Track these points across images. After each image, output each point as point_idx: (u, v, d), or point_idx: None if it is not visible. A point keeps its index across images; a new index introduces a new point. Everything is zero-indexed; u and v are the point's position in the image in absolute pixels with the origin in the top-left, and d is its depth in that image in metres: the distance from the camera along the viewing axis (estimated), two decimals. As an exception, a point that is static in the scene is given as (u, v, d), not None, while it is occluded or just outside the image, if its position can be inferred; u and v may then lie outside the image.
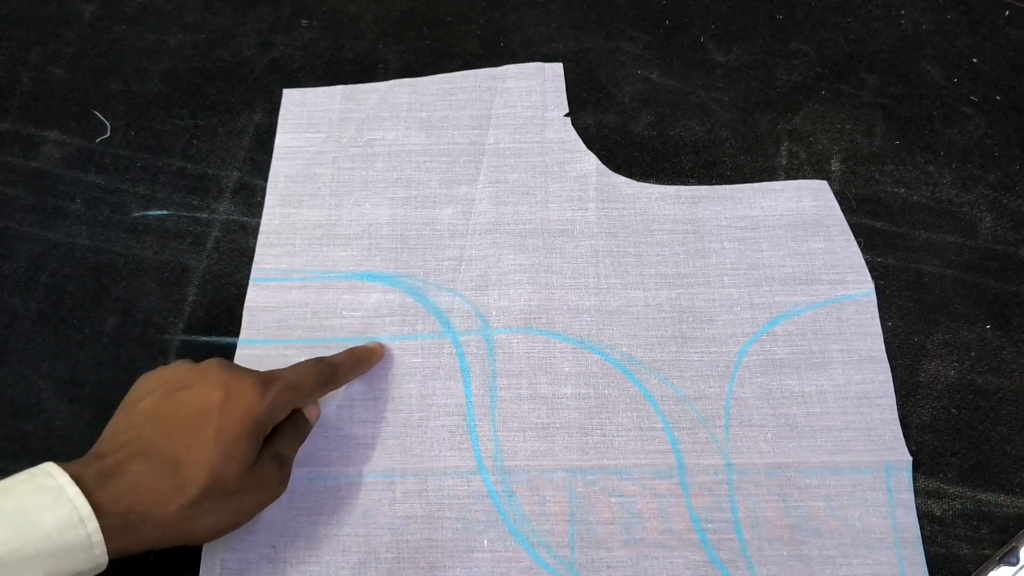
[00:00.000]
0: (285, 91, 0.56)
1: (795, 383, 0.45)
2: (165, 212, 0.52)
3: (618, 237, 0.50)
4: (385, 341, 0.47)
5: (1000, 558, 0.41)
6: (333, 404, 0.45)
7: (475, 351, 0.46)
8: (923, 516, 0.42)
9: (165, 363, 0.47)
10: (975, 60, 0.56)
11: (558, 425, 0.44)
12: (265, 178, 0.53)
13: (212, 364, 0.39)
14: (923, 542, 0.42)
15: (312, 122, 0.55)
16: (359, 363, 0.44)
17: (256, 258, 0.50)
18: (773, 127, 0.53)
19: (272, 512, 0.42)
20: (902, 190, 0.51)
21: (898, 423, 0.44)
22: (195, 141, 0.55)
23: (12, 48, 0.59)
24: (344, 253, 0.50)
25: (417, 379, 0.46)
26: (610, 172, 0.52)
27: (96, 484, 0.34)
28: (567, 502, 0.43)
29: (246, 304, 0.48)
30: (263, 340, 0.47)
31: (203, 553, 0.42)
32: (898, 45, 0.57)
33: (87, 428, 0.46)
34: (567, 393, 0.45)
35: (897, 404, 0.45)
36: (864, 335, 0.47)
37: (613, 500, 0.43)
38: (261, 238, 0.51)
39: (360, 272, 0.49)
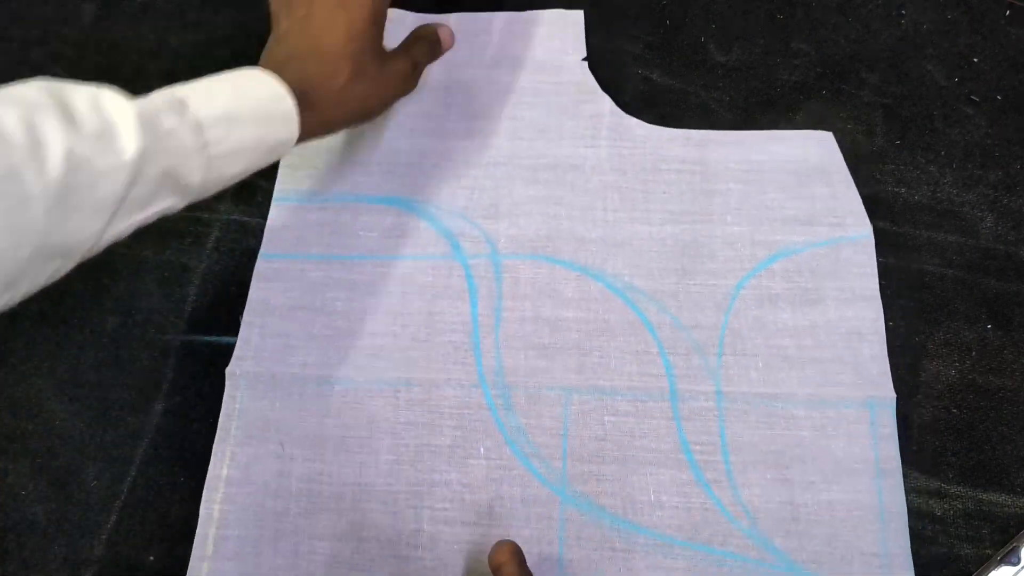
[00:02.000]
0: None
1: (789, 316, 0.47)
2: (165, 212, 0.52)
3: (627, 174, 0.51)
4: (398, 261, 0.50)
5: (1001, 558, 0.41)
6: (344, 316, 0.48)
7: (483, 274, 0.49)
8: (924, 516, 0.42)
9: (165, 364, 0.47)
10: (976, 60, 0.56)
11: (558, 346, 0.46)
12: (265, 177, 0.53)
13: None
14: (923, 542, 0.42)
15: None
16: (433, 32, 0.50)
17: (278, 179, 0.52)
18: (773, 127, 0.53)
19: (281, 412, 0.45)
20: (903, 190, 0.51)
21: (886, 360, 0.45)
22: (195, 141, 0.55)
23: (12, 48, 0.59)
24: (363, 178, 0.52)
25: (426, 297, 0.48)
26: (623, 114, 0.54)
27: (282, 76, 0.41)
28: (562, 418, 0.45)
29: (268, 223, 0.51)
30: (282, 255, 0.50)
31: (214, 446, 0.45)
32: (899, 45, 0.57)
33: (87, 428, 0.46)
34: (569, 316, 0.47)
35: (898, 404, 0.45)
36: (859, 275, 0.48)
37: (606, 419, 0.44)
38: (284, 160, 0.53)
39: (377, 196, 0.52)
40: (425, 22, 0.57)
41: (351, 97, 0.44)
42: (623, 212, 0.50)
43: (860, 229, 0.49)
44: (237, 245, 0.51)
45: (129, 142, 0.34)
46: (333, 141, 0.54)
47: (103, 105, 0.35)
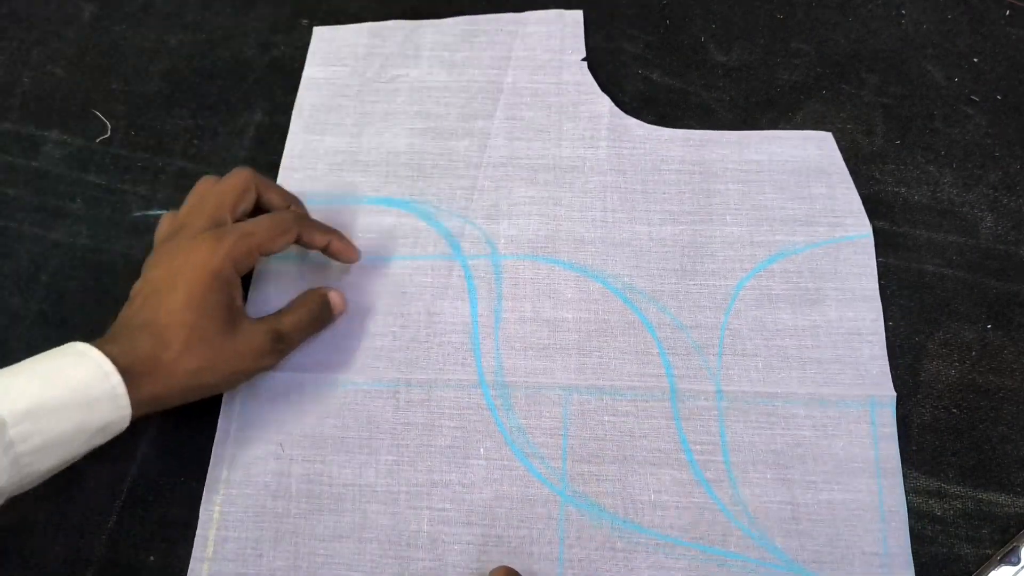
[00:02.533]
0: (316, 28, 0.59)
1: (789, 317, 0.47)
2: (166, 212, 0.52)
3: (626, 174, 0.51)
4: (397, 261, 0.49)
5: (1001, 558, 0.41)
6: (345, 317, 0.48)
7: (483, 275, 0.49)
8: (924, 516, 0.42)
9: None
10: (976, 60, 0.56)
11: (558, 346, 0.46)
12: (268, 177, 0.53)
13: (176, 240, 0.43)
14: (923, 542, 0.42)
15: (339, 56, 0.57)
16: (328, 233, 0.46)
17: (279, 180, 0.52)
18: (773, 127, 0.53)
19: (281, 413, 0.45)
20: (903, 190, 0.51)
21: (886, 359, 0.45)
22: (195, 141, 0.55)
23: (12, 48, 0.59)
24: (363, 179, 0.52)
25: (426, 298, 0.48)
26: (623, 114, 0.54)
27: (108, 351, 0.37)
28: (562, 418, 0.45)
29: None
30: (282, 256, 0.49)
31: (214, 448, 0.45)
32: (899, 45, 0.57)
33: (87, 428, 0.46)
34: (568, 317, 0.47)
35: (898, 404, 0.45)
36: (859, 275, 0.48)
37: (606, 419, 0.45)
38: (284, 162, 0.53)
39: (377, 197, 0.52)
40: (423, 26, 0.58)
41: (183, 370, 0.39)
42: (622, 212, 0.50)
43: (860, 229, 0.49)
44: (237, 245, 0.51)
45: None
46: (331, 143, 0.53)
47: None
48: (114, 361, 0.37)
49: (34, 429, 0.34)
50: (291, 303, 0.45)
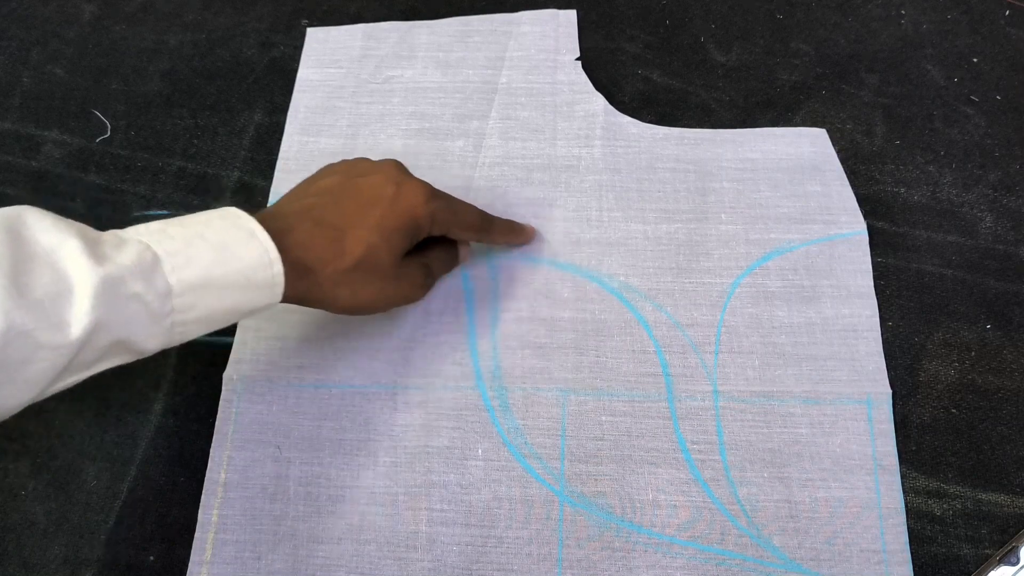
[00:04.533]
0: (309, 30, 0.58)
1: (784, 314, 0.47)
2: (165, 212, 0.52)
3: (622, 173, 0.51)
4: None
5: (1000, 558, 0.41)
6: (340, 319, 0.47)
7: (479, 275, 0.49)
8: (923, 516, 0.42)
9: (165, 364, 0.47)
10: (975, 60, 0.56)
11: (555, 346, 0.46)
12: (266, 178, 0.53)
13: (392, 163, 0.43)
14: (923, 542, 0.42)
15: (334, 58, 0.57)
16: (512, 232, 0.48)
17: (274, 183, 0.52)
18: (773, 127, 0.53)
19: (278, 415, 0.45)
20: (902, 190, 0.51)
21: (882, 356, 0.46)
22: (195, 141, 0.55)
23: (12, 48, 0.59)
24: None
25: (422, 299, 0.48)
26: (617, 113, 0.54)
27: (275, 235, 0.37)
28: (559, 418, 0.45)
29: None
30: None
31: (211, 451, 0.45)
32: (898, 45, 0.57)
33: (87, 428, 0.46)
34: (565, 317, 0.47)
35: (897, 404, 0.45)
36: (854, 272, 0.48)
37: (603, 418, 0.45)
38: (280, 163, 0.53)
39: None
40: (417, 27, 0.58)
41: (353, 285, 0.40)
42: (618, 212, 0.50)
43: (854, 226, 0.49)
44: (237, 245, 0.51)
45: (80, 316, 0.30)
46: (326, 144, 0.54)
47: (61, 264, 0.31)
48: (286, 251, 0.37)
49: (196, 302, 0.34)
50: (426, 246, 0.45)
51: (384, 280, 0.41)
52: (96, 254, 0.32)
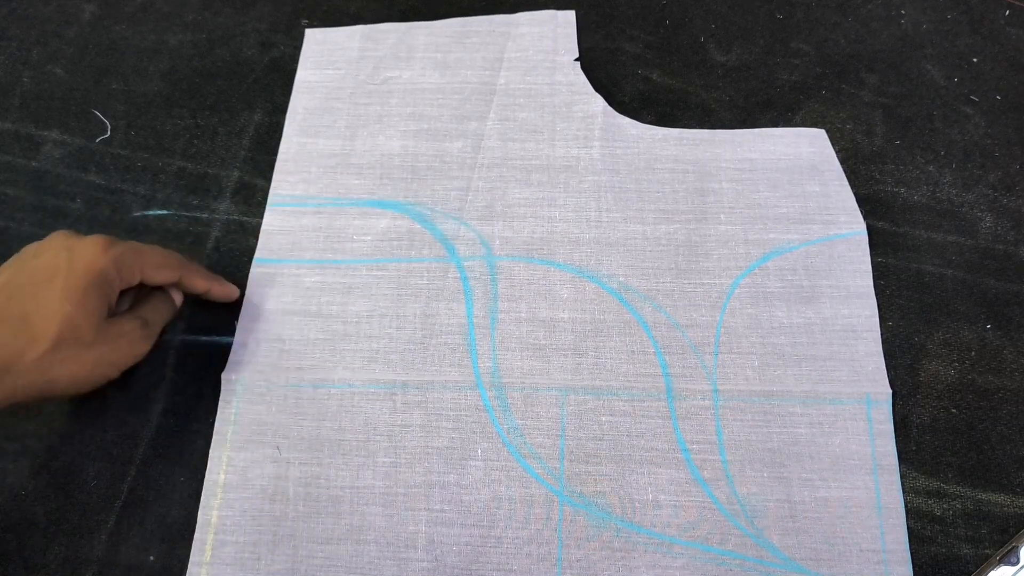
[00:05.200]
0: (307, 31, 0.58)
1: (784, 315, 0.47)
2: (165, 212, 0.52)
3: (620, 174, 0.51)
4: (393, 264, 0.49)
5: (1000, 558, 0.41)
6: (340, 320, 0.48)
7: (478, 276, 0.49)
8: (923, 516, 0.42)
9: (165, 364, 0.47)
10: (975, 60, 0.56)
11: (554, 346, 0.47)
12: (266, 178, 0.53)
13: (58, 233, 0.41)
14: (923, 542, 0.42)
15: (332, 60, 0.57)
16: (214, 280, 0.46)
17: (273, 184, 0.52)
18: (773, 127, 0.53)
19: (278, 416, 0.45)
20: (902, 190, 0.51)
21: (881, 356, 0.46)
22: (195, 141, 0.55)
23: (12, 48, 0.59)
24: (357, 181, 0.52)
25: (422, 300, 0.48)
26: (616, 114, 0.54)
27: None
28: (559, 418, 0.45)
29: (263, 227, 0.51)
30: (277, 259, 0.50)
31: (211, 451, 0.45)
32: (898, 45, 0.57)
33: (87, 428, 0.46)
34: (564, 317, 0.47)
35: (897, 404, 0.45)
36: (854, 272, 0.48)
37: (603, 418, 0.45)
38: (278, 165, 0.53)
39: (371, 200, 0.52)
40: (416, 28, 0.58)
41: (65, 363, 0.38)
42: (617, 212, 0.50)
43: (853, 226, 0.49)
44: (237, 245, 0.51)
45: None
46: (325, 146, 0.53)
47: None
48: None
49: None
50: (142, 296, 0.44)
51: (95, 346, 0.39)
52: None
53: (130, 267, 0.41)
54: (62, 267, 0.39)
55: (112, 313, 0.41)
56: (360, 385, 0.46)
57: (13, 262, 0.41)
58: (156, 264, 0.43)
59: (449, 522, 0.43)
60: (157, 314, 0.44)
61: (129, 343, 0.41)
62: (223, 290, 0.47)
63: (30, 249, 0.41)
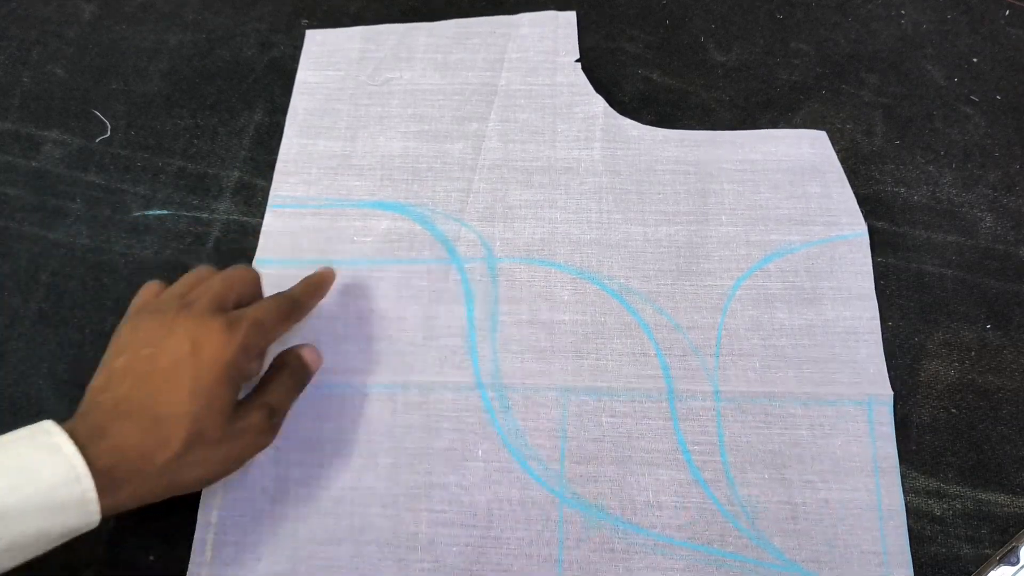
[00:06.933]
0: (307, 32, 0.58)
1: (785, 316, 0.47)
2: (165, 212, 0.52)
3: (621, 175, 0.51)
4: (393, 265, 0.49)
5: (1000, 558, 0.41)
6: (340, 321, 0.48)
7: (479, 278, 0.49)
8: (923, 516, 0.42)
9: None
10: (975, 60, 0.56)
11: (555, 348, 0.46)
12: (266, 178, 0.53)
13: (177, 315, 0.38)
14: (923, 542, 0.42)
15: (332, 61, 0.57)
16: (316, 289, 0.45)
17: (273, 185, 0.52)
18: (773, 127, 0.53)
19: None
20: (902, 190, 0.51)
21: (883, 358, 0.46)
22: (195, 141, 0.55)
23: (12, 48, 0.59)
24: (357, 183, 0.52)
25: (423, 301, 0.48)
26: (617, 115, 0.54)
27: (87, 442, 0.33)
28: (560, 420, 0.45)
29: (263, 229, 0.51)
30: (277, 261, 0.50)
31: None
32: (898, 45, 0.57)
33: (87, 428, 0.46)
34: (565, 319, 0.47)
35: (897, 404, 0.45)
36: (855, 274, 0.48)
37: (604, 420, 0.45)
38: (279, 166, 0.53)
39: (372, 201, 0.51)
40: (416, 29, 0.57)
41: (194, 466, 0.36)
42: (618, 214, 0.50)
43: (855, 228, 0.49)
44: (237, 245, 0.51)
45: None
46: (325, 147, 0.53)
47: None
48: (93, 460, 0.33)
49: None
50: (269, 370, 0.42)
51: (222, 444, 0.37)
52: None
53: (255, 347, 0.39)
54: (186, 360, 0.36)
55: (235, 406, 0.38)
56: (361, 386, 0.46)
57: (126, 346, 0.38)
58: (276, 321, 0.40)
59: (449, 523, 0.43)
60: (284, 397, 0.41)
61: (255, 436, 0.39)
62: (324, 288, 0.45)
63: (143, 329, 0.38)
